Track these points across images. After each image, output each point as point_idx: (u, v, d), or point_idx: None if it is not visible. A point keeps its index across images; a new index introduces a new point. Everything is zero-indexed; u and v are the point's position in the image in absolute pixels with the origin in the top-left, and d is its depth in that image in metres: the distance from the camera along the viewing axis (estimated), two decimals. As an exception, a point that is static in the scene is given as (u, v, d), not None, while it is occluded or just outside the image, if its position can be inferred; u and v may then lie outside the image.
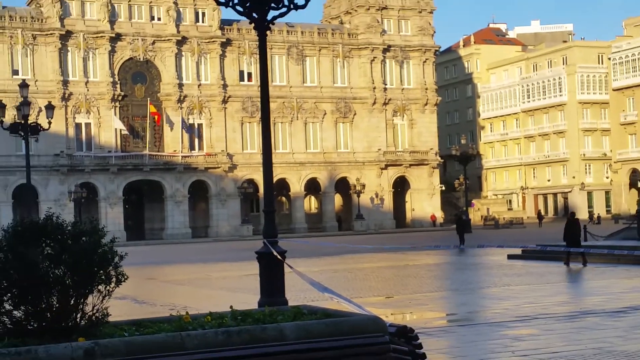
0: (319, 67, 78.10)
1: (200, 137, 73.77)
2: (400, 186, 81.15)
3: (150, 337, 5.75)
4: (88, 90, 69.30)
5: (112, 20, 70.26)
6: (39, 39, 68.34)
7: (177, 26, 72.33)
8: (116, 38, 70.33)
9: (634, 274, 21.90)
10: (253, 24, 13.91)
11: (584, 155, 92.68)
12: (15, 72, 66.44)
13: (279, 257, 12.98)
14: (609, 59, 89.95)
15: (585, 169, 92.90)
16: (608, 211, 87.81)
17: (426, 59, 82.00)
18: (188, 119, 72.51)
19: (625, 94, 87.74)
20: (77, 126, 69.84)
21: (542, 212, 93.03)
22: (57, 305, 6.04)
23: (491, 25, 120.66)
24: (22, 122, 33.33)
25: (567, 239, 26.34)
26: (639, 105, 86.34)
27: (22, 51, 67.79)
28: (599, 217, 78.85)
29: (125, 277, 6.33)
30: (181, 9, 73.07)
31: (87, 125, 70.24)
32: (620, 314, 14.01)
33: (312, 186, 78.58)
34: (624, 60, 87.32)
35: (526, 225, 75.06)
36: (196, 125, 73.38)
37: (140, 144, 71.66)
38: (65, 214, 58.34)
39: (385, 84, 79.92)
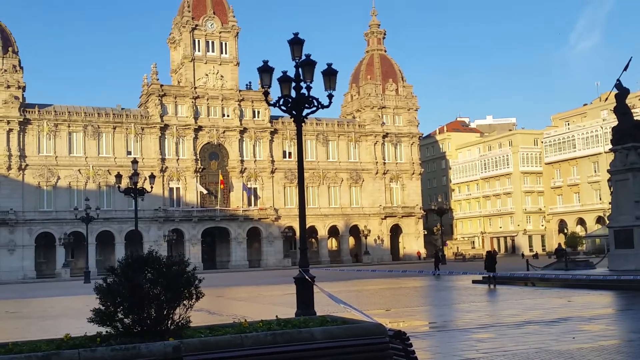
0: (338, 148, 78.46)
1: (255, 197, 73.94)
2: (395, 231, 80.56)
3: (219, 337, 5.71)
4: (178, 165, 70.00)
5: (196, 117, 71.28)
6: (145, 130, 69.42)
7: (240, 120, 73.20)
8: (198, 129, 71.25)
9: (562, 295, 21.44)
10: (293, 119, 14.12)
11: (525, 209, 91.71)
12: (129, 153, 67.35)
13: (310, 280, 12.89)
14: (542, 142, 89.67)
15: (527, 219, 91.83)
16: (543, 249, 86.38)
17: (413, 142, 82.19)
18: (247, 184, 72.84)
19: (554, 167, 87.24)
20: (171, 189, 70.34)
21: (496, 250, 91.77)
22: (154, 314, 6.03)
23: (458, 119, 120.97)
24: (133, 187, 33.69)
25: (487, 267, 27.25)
26: (563, 174, 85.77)
27: (134, 138, 68.81)
28: (536, 253, 77.57)
29: (202, 294, 6.31)
30: (243, 109, 74.02)
31: (177, 189, 70.72)
32: (553, 323, 13.70)
33: (334, 231, 78.22)
34: (552, 143, 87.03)
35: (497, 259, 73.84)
36: (253, 188, 73.66)
37: (213, 202, 71.97)
38: (161, 251, 58.58)
39: (385, 160, 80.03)
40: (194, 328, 6.32)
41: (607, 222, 28.94)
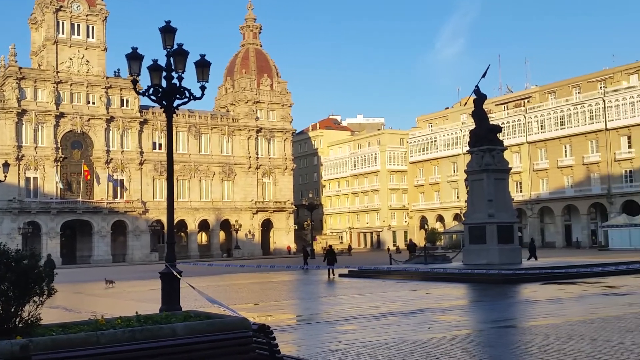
0: (211, 141, 77.40)
1: (122, 189, 71.09)
2: (266, 225, 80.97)
3: (72, 335, 5.41)
4: (37, 153, 65.63)
5: (58, 103, 67.17)
6: (0, 115, 64.31)
7: (107, 108, 69.98)
8: (60, 116, 67.17)
9: (421, 287, 22.58)
10: (163, 109, 13.71)
11: (390, 206, 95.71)
12: (-20, 138, 62.12)
13: (177, 275, 12.61)
14: (407, 142, 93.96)
15: (391, 215, 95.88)
16: (406, 244, 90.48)
17: (286, 138, 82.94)
18: (113, 175, 69.83)
19: (418, 166, 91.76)
20: (27, 179, 65.76)
21: (362, 245, 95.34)
22: (0, 312, 5.61)
23: (330, 117, 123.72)
24: (-17, 174, 31.05)
25: (326, 260, 29.45)
26: (426, 173, 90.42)
27: (-14, 122, 63.57)
28: (398, 248, 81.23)
29: (55, 290, 5.96)
30: (110, 96, 70.80)
31: (35, 179, 66.29)
32: (412, 315, 14.40)
33: (204, 225, 77.14)
34: (416, 143, 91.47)
35: (352, 254, 76.16)
36: (119, 180, 70.70)
37: (75, 193, 68.24)
38: (15, 245, 54.57)
39: (258, 155, 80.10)
40: (45, 326, 5.94)
41: (463, 219, 30.83)
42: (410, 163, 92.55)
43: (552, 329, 11.44)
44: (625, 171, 67.19)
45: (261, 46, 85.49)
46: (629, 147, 66.72)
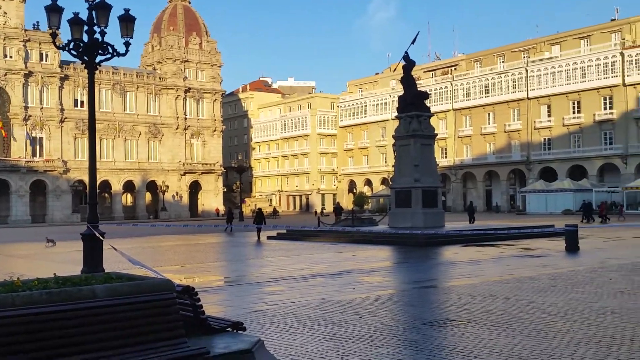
0: (136, 100, 75.09)
1: (41, 147, 68.16)
2: (194, 187, 79.99)
3: (-16, 297, 5.18)
4: (-53, 107, 61.83)
5: (-30, 54, 63.28)
6: None
7: (25, 63, 66.43)
8: (-27, 68, 63.36)
9: (348, 249, 22.98)
10: (84, 65, 13.13)
11: (320, 169, 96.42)
12: None
13: (99, 237, 12.29)
14: (338, 106, 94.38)
15: (321, 179, 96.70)
16: (334, 207, 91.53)
17: (215, 99, 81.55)
18: (31, 133, 66.76)
19: (347, 130, 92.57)
20: (-63, 135, 62.04)
21: (291, 208, 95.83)
22: None
23: (261, 79, 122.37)
24: None
25: (256, 221, 32.49)
26: (355, 138, 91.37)
27: None
28: (322, 210, 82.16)
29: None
30: (29, 50, 67.18)
31: (-54, 134, 62.61)
32: (337, 276, 14.66)
33: (129, 186, 75.34)
34: (346, 107, 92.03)
35: (280, 216, 76.48)
36: (38, 138, 67.70)
37: (-9, 151, 65.01)
38: None
39: (186, 115, 78.49)
40: (-44, 288, 5.65)
41: (390, 183, 31.42)
42: (340, 127, 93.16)
43: (470, 288, 11.94)
44: (544, 139, 70.15)
45: (190, 3, 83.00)
46: (549, 116, 69.57)
